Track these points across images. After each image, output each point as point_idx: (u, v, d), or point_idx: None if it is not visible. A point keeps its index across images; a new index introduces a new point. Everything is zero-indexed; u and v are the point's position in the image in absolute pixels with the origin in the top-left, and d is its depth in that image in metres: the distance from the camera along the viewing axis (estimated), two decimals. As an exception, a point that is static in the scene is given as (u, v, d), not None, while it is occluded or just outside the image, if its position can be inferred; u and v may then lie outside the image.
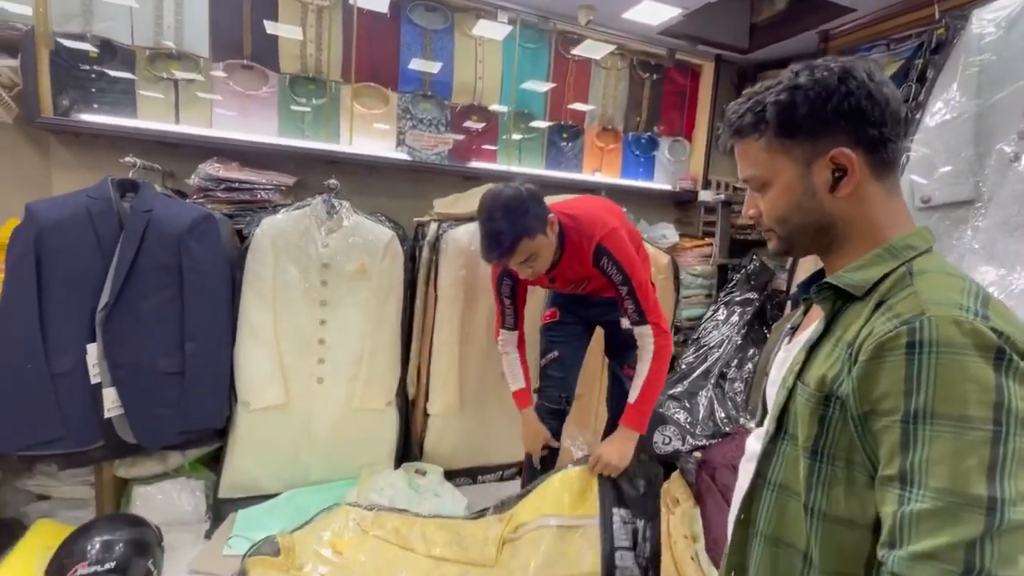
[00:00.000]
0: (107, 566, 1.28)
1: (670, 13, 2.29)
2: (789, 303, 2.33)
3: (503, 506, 1.57)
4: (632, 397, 1.52)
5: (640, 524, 1.42)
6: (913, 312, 0.56)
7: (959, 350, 0.53)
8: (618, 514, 1.41)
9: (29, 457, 1.53)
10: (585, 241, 1.48)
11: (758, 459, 0.72)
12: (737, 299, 2.48)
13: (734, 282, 2.57)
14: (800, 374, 0.67)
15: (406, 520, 1.57)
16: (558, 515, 1.41)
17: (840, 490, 0.61)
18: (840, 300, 0.66)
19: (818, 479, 0.63)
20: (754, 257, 2.57)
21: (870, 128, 0.65)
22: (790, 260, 2.34)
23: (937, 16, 1.91)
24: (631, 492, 1.46)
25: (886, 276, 0.63)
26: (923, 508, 0.52)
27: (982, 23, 1.65)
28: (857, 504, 0.60)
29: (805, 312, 0.82)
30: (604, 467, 1.47)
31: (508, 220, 1.33)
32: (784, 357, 0.76)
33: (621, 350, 1.76)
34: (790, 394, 0.67)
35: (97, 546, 1.31)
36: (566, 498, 1.45)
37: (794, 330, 0.81)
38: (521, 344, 1.74)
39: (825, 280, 0.67)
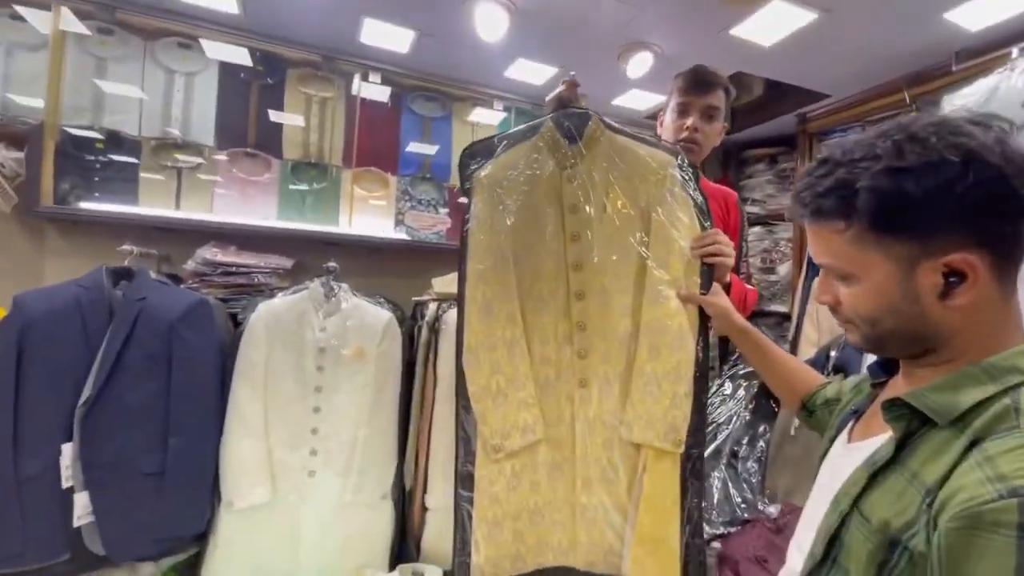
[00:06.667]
0: None
1: (655, 100, 2.42)
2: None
3: None
4: None
5: None
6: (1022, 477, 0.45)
7: None
8: None
9: (-23, 576, 1.38)
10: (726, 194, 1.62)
11: None
12: (741, 372, 2.43)
13: (737, 354, 2.53)
14: (858, 500, 0.57)
15: None
16: None
17: None
18: (918, 422, 0.55)
19: None
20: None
21: (1003, 223, 0.52)
22: (793, 330, 2.32)
23: (907, 100, 2.04)
24: None
25: (980, 404, 0.52)
26: None
27: (954, 107, 1.76)
28: None
29: (872, 400, 0.69)
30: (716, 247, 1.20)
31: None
32: (838, 462, 0.66)
33: None
34: (843, 520, 0.58)
35: None
36: None
37: (856, 414, 0.68)
38: None
39: (900, 398, 0.56)
